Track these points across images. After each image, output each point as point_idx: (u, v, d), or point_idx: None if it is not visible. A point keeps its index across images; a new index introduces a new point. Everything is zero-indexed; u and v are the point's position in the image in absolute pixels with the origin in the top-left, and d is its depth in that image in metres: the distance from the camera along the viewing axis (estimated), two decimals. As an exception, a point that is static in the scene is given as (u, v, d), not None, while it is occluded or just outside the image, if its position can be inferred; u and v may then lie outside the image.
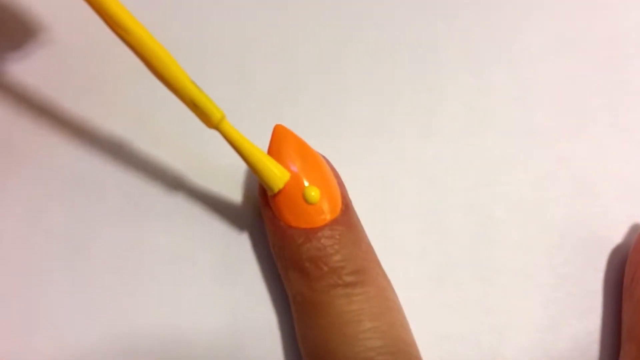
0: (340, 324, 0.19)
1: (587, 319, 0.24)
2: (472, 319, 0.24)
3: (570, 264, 0.24)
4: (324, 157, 0.22)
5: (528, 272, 0.24)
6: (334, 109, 0.25)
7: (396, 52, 0.26)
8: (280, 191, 0.20)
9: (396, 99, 0.26)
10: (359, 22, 0.26)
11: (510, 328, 0.24)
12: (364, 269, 0.20)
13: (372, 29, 0.26)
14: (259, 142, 0.21)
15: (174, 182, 0.24)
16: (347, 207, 0.21)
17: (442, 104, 0.26)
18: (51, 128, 0.24)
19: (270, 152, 0.21)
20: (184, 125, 0.24)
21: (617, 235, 0.25)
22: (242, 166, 0.24)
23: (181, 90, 0.18)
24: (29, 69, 0.25)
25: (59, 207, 0.24)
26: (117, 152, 0.24)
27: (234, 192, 0.24)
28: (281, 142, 0.21)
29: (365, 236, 0.22)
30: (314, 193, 0.20)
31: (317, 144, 0.22)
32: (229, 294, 0.23)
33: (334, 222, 0.20)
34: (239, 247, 0.24)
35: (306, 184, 0.20)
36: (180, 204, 0.24)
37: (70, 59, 0.25)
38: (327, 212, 0.20)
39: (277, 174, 0.20)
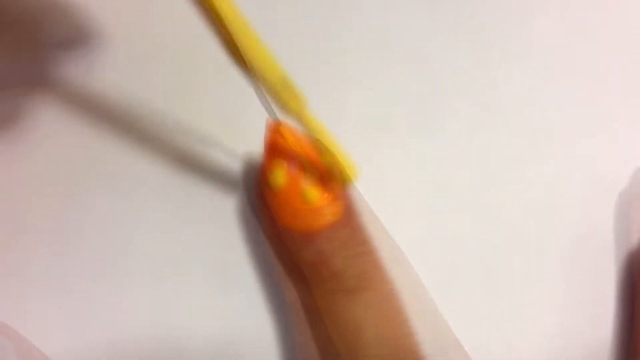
0: (341, 332, 0.19)
1: (600, 326, 0.23)
2: (480, 328, 0.23)
3: (584, 269, 0.24)
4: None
5: (539, 277, 0.24)
6: (334, 106, 0.25)
7: (400, 45, 0.25)
8: (277, 192, 0.19)
9: (400, 95, 0.25)
10: (361, 15, 0.26)
11: (520, 336, 0.23)
12: (367, 273, 0.19)
13: (375, 22, 0.26)
14: (257, 139, 0.20)
15: (168, 187, 0.24)
16: (349, 208, 0.20)
17: (448, 100, 0.25)
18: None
19: (266, 149, 0.20)
20: (181, 129, 0.24)
21: (633, 239, 0.24)
22: (238, 169, 0.24)
23: (271, 67, 0.17)
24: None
25: (50, 212, 0.23)
26: (106, 157, 0.24)
27: (230, 195, 0.24)
28: (277, 138, 0.20)
29: (370, 238, 0.20)
30: (313, 193, 0.19)
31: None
32: (224, 301, 0.23)
33: (336, 224, 0.19)
34: (235, 252, 0.23)
35: (305, 183, 0.19)
36: (174, 207, 0.23)
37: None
38: (327, 214, 0.19)
39: (353, 165, 0.19)
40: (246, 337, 0.22)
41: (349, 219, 0.20)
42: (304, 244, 0.19)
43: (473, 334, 0.22)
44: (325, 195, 0.19)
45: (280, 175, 0.19)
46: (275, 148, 0.20)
